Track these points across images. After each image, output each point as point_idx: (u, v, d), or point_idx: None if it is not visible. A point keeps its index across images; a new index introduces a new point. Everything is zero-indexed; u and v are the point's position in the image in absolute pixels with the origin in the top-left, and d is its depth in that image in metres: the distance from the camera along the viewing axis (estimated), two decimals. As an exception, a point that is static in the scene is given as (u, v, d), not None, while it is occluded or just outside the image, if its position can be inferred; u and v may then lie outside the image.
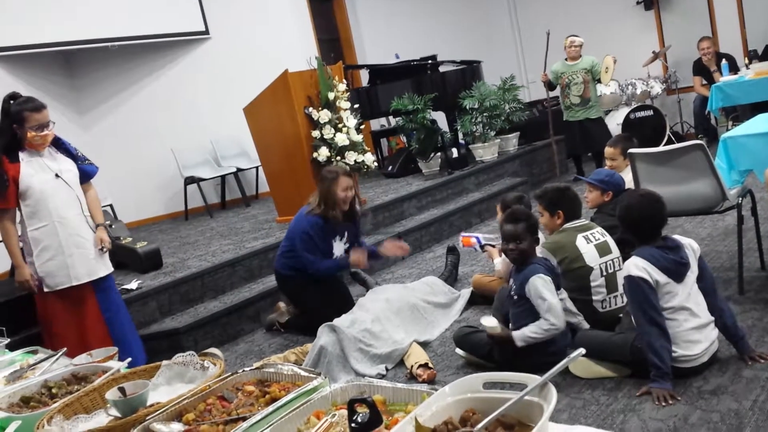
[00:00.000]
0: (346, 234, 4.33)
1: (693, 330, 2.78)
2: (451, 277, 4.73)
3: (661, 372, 2.69)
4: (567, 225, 3.44)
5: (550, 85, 7.48)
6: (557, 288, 3.11)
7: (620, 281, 3.30)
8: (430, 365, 3.39)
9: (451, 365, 3.47)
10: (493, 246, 4.17)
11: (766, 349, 2.92)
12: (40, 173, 3.53)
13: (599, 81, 7.32)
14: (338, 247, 4.30)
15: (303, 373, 1.58)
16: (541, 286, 3.02)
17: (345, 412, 1.24)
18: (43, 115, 3.50)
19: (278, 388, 1.56)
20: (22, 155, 3.53)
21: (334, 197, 4.12)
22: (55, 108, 7.72)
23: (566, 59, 7.35)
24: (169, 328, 4.38)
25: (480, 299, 4.24)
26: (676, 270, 2.77)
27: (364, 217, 4.43)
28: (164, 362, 1.82)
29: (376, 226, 5.93)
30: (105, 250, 3.73)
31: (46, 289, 3.62)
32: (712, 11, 9.10)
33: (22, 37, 6.92)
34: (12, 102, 3.51)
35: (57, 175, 3.57)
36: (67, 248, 3.59)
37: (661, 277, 2.75)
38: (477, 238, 4.39)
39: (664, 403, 2.63)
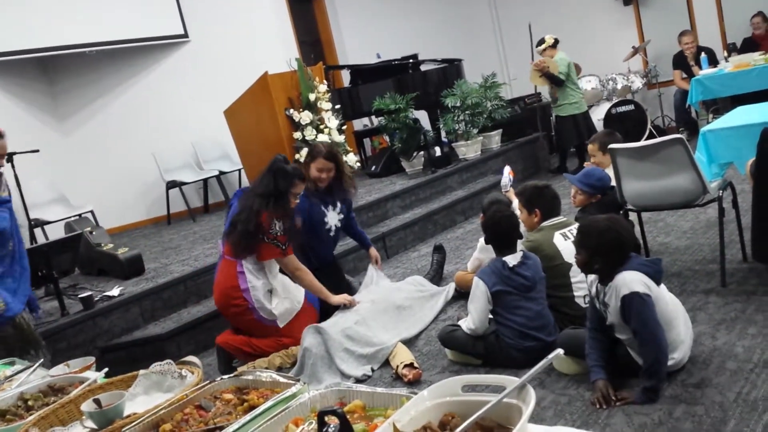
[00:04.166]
0: (339, 205, 4.38)
1: (678, 333, 2.77)
2: (437, 276, 4.72)
3: (659, 392, 2.65)
4: (545, 223, 3.44)
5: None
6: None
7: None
8: (416, 365, 3.38)
9: (436, 364, 3.46)
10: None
11: (748, 342, 2.93)
12: None
13: (552, 81, 7.35)
14: (332, 217, 4.36)
15: (282, 379, 1.55)
16: (474, 285, 3.24)
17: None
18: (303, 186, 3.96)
19: (257, 395, 1.54)
20: None
21: (308, 174, 4.19)
22: (33, 115, 7.70)
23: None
24: (152, 334, 4.33)
25: (463, 296, 4.22)
26: (656, 276, 2.74)
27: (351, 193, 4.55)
28: (141, 372, 1.80)
29: (360, 226, 5.90)
30: None
31: (281, 324, 3.88)
32: (690, 5, 9.15)
33: (-1, 44, 6.84)
34: (287, 164, 3.89)
35: None
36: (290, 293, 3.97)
37: (653, 286, 2.69)
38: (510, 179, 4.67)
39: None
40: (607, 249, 2.71)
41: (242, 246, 3.78)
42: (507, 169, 4.74)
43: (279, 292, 3.91)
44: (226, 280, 3.86)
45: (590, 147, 4.41)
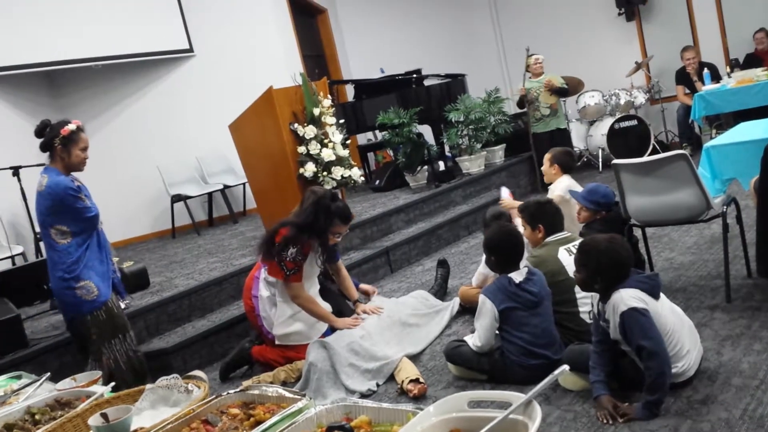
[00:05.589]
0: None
1: (682, 345, 2.77)
2: (441, 291, 4.71)
3: (661, 406, 2.64)
4: (549, 239, 3.45)
5: (522, 102, 7.79)
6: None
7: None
8: (421, 380, 3.37)
9: (441, 379, 3.46)
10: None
11: (754, 358, 2.92)
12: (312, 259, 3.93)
13: (562, 94, 7.72)
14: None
15: (288, 394, 1.56)
16: (480, 303, 3.24)
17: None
18: (347, 228, 4.00)
19: (263, 410, 1.54)
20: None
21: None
22: (39, 128, 7.73)
23: (530, 76, 7.78)
24: (157, 348, 4.33)
25: (468, 311, 4.22)
26: (653, 291, 2.74)
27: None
28: (148, 386, 1.80)
29: (364, 241, 5.92)
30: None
31: (277, 342, 3.93)
32: (693, 20, 9.19)
33: (5, 58, 6.89)
34: (333, 203, 3.86)
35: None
36: (309, 320, 3.95)
37: (650, 301, 2.69)
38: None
39: None
40: (606, 269, 2.73)
41: (261, 253, 3.90)
42: (506, 191, 4.93)
43: (295, 315, 3.91)
44: (249, 279, 4.06)
45: (545, 156, 4.66)
